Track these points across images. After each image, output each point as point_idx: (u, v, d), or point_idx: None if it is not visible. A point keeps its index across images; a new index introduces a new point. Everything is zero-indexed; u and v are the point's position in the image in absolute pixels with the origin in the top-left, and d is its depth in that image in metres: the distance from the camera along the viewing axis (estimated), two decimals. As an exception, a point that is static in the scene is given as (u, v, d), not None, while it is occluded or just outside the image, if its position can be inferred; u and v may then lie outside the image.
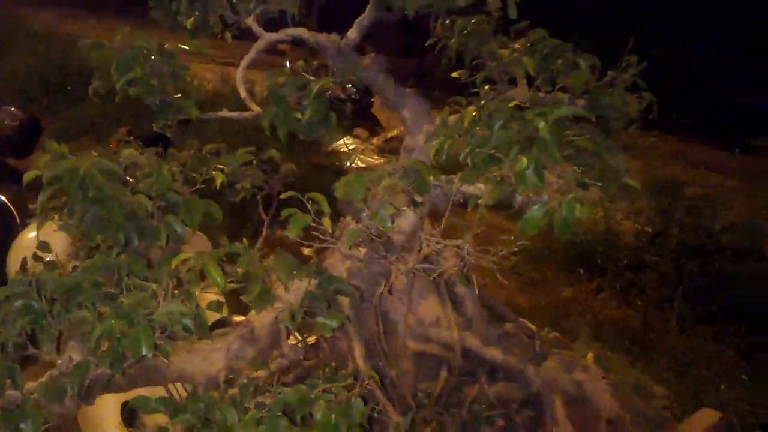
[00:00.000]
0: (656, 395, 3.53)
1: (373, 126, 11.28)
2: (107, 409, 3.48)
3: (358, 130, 10.89)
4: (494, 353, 3.34)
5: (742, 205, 7.09)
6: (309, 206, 2.48)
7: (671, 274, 6.24)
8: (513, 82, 3.35)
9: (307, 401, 2.37)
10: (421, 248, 2.81)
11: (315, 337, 3.40)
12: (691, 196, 6.77)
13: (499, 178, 2.58)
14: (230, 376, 2.90)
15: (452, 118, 2.78)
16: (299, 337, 3.00)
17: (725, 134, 8.33)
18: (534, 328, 3.55)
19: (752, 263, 6.38)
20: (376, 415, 2.54)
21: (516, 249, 2.90)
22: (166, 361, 2.55)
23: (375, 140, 10.93)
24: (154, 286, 2.36)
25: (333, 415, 2.33)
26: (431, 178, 2.74)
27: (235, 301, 2.79)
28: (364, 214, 2.46)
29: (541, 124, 2.47)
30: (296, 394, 2.38)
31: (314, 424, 2.32)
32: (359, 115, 10.47)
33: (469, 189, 2.80)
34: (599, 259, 6.98)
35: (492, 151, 2.55)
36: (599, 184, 2.48)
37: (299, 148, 8.36)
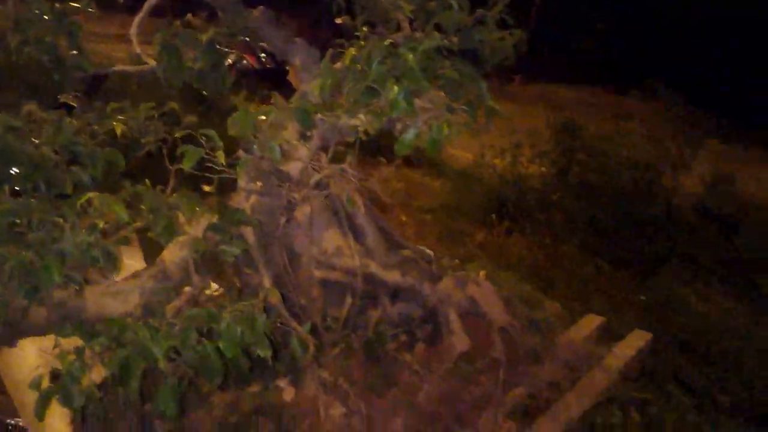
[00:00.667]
0: (545, 306, 3.90)
1: (290, 93, 11.38)
2: (26, 356, 3.62)
3: (275, 98, 10.99)
4: (394, 276, 3.63)
5: (639, 144, 7.56)
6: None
7: (574, 210, 6.67)
8: (400, 27, 3.60)
9: (214, 317, 2.60)
10: (314, 178, 3.05)
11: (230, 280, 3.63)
12: (590, 137, 7.21)
13: (379, 111, 2.85)
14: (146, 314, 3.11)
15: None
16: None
17: (618, 80, 8.80)
18: (431, 253, 3.86)
19: (650, 197, 6.86)
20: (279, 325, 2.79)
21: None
22: (83, 300, 2.75)
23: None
24: (62, 221, 2.55)
25: (238, 327, 2.57)
26: (317, 114, 2.98)
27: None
28: (255, 146, 2.69)
29: (410, 56, 2.76)
30: (204, 312, 2.61)
31: (221, 335, 2.56)
32: (276, 83, 10.59)
33: (352, 121, 3.05)
34: (510, 204, 7.36)
35: (370, 85, 2.82)
36: (465, 108, 2.79)
37: (216, 119, 8.46)
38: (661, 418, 4.13)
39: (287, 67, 11.03)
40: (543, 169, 7.56)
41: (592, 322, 4.23)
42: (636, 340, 4.20)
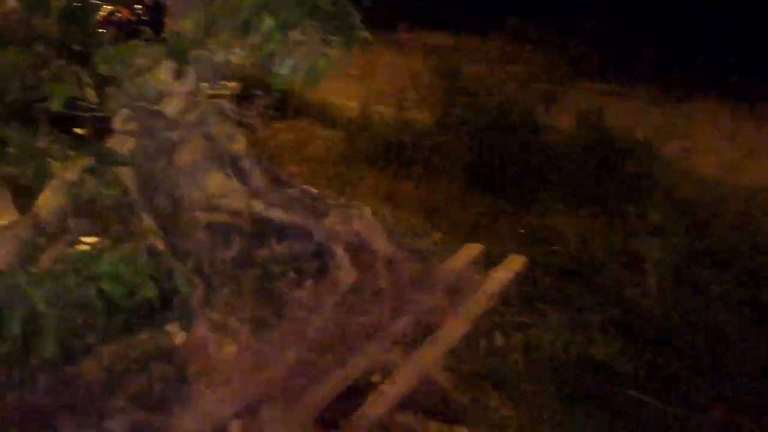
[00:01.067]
0: (429, 238, 4.06)
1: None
2: None
3: (147, 33, 10.64)
4: (280, 215, 3.68)
5: (514, 86, 7.82)
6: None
7: (456, 151, 6.88)
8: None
9: (95, 258, 2.58)
10: (191, 116, 3.03)
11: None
12: (468, 80, 7.43)
13: (254, 45, 2.86)
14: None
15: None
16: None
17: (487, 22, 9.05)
18: (317, 191, 3.93)
19: (525, 134, 7.14)
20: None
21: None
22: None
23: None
24: None
25: (120, 266, 2.56)
26: (192, 50, 2.95)
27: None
28: (125, 82, 2.64)
29: (283, -12, 2.77)
30: (83, 253, 2.58)
31: (102, 276, 2.54)
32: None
33: (230, 57, 3.04)
34: (397, 149, 7.49)
35: (245, 19, 2.82)
36: (337, 38, 2.83)
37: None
38: (539, 338, 4.41)
39: (164, 19, 10.67)
40: (426, 113, 7.72)
41: (472, 251, 4.45)
42: (512, 264, 4.45)
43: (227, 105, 3.15)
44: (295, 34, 2.81)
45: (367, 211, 3.88)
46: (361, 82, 8.30)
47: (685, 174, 6.51)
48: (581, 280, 4.91)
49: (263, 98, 3.43)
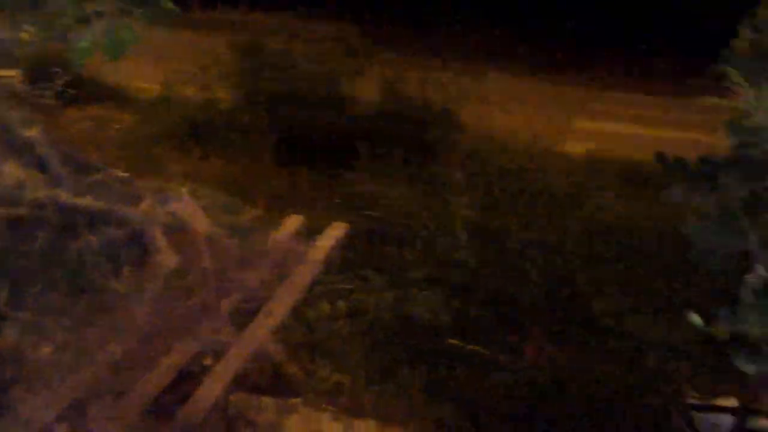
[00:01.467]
0: (248, 214, 4.03)
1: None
2: None
3: None
4: (88, 202, 3.47)
5: (319, 61, 7.88)
6: None
7: (265, 126, 6.85)
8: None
9: None
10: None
11: None
12: (272, 55, 7.38)
13: (48, 20, 2.66)
14: None
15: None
16: None
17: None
18: (126, 175, 3.75)
19: (333, 107, 7.25)
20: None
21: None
22: None
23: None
24: None
25: None
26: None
27: None
28: None
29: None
30: None
31: None
32: None
33: (19, 34, 2.81)
34: (202, 129, 7.29)
35: (34, -5, 2.61)
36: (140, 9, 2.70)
37: None
38: (363, 302, 4.56)
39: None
40: (231, 91, 7.58)
41: (293, 222, 4.48)
42: (334, 231, 4.55)
43: (20, 87, 2.90)
44: (92, 6, 2.65)
45: (183, 192, 3.77)
46: (159, 62, 7.97)
47: (483, 135, 6.97)
48: (399, 242, 5.12)
49: (59, 78, 3.19)
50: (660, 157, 1.82)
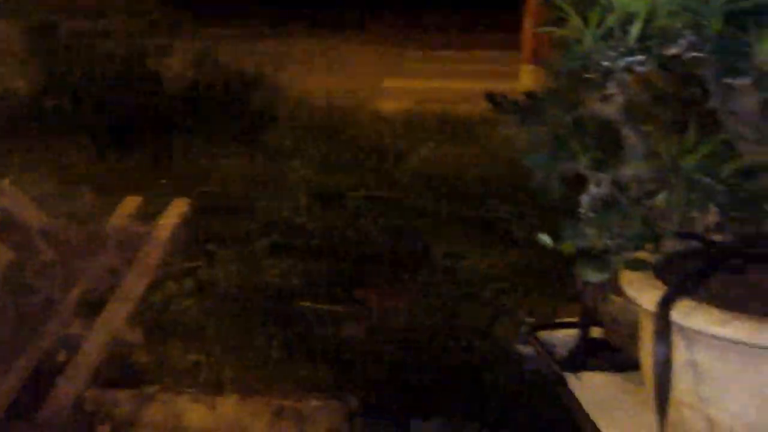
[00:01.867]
0: (83, 200, 3.85)
1: None
2: None
3: None
4: None
5: (129, 40, 7.55)
6: None
7: (73, 110, 6.49)
8: None
9: None
10: None
11: None
12: (69, 35, 7.00)
13: None
14: None
15: None
16: None
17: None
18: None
19: (147, 86, 6.98)
20: None
21: None
22: None
23: None
24: None
25: None
26: None
27: None
28: None
29: None
30: None
31: None
32: None
33: None
34: (4, 120, 6.75)
35: None
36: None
37: None
38: (212, 277, 4.52)
39: None
40: (28, 77, 7.09)
41: (132, 204, 4.34)
42: (177, 208, 4.45)
43: None
44: None
45: (6, 183, 3.53)
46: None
47: (299, 98, 7.09)
48: (240, 213, 5.12)
49: None
50: (490, 97, 1.98)
